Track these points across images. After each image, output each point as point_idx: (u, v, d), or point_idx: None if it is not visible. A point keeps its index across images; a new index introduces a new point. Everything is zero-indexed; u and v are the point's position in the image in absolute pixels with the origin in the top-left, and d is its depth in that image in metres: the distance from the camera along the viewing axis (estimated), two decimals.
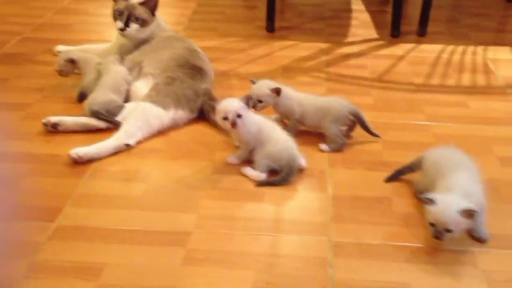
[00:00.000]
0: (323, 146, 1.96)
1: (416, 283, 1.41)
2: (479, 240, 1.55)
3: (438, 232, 1.47)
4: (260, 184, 1.76)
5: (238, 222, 1.62)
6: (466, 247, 1.53)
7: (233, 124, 1.73)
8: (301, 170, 1.83)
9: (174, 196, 1.72)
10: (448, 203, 1.46)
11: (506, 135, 2.07)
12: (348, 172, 1.86)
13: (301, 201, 1.72)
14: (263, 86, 1.96)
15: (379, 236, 1.57)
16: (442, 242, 1.48)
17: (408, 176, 1.79)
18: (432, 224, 1.48)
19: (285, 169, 1.76)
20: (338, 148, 1.96)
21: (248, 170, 1.80)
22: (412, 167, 1.77)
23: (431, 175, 1.63)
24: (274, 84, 1.97)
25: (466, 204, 1.45)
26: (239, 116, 1.74)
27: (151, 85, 2.08)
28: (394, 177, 1.80)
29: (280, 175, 1.77)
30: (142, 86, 2.12)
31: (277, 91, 1.95)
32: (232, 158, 1.86)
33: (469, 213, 1.44)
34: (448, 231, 1.46)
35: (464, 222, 1.45)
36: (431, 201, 1.47)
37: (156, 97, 2.02)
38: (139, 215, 1.63)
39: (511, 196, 1.73)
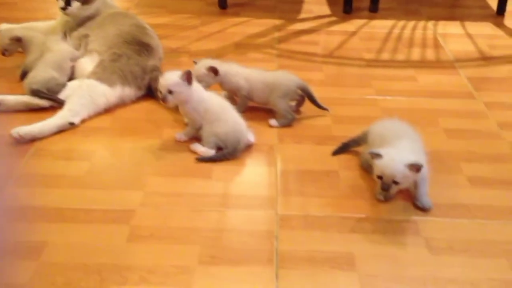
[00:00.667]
0: (272, 122, 1.96)
1: (359, 252, 1.43)
2: (422, 209, 1.58)
3: (386, 184, 1.52)
4: (201, 159, 1.74)
5: (185, 198, 1.60)
6: (409, 217, 1.56)
7: (163, 100, 1.71)
8: (249, 146, 1.83)
9: (120, 174, 1.69)
10: (395, 156, 1.52)
11: (452, 108, 2.10)
12: (297, 146, 1.86)
13: (249, 176, 1.72)
14: (201, 66, 1.94)
15: (325, 208, 1.58)
16: (387, 211, 1.51)
17: (355, 150, 1.81)
18: (379, 177, 1.53)
19: (230, 148, 1.75)
20: (287, 123, 1.96)
21: (196, 147, 1.78)
22: (358, 140, 1.79)
23: (375, 146, 1.65)
24: (212, 63, 1.95)
25: (412, 158, 1.51)
26: (170, 92, 1.71)
27: (97, 62, 2.03)
28: (340, 151, 1.81)
29: (222, 152, 1.75)
30: (87, 63, 2.06)
31: (214, 70, 1.93)
32: (180, 135, 1.84)
33: (415, 167, 1.50)
34: (395, 183, 1.52)
35: (411, 176, 1.52)
36: (378, 156, 1.53)
37: (101, 74, 1.97)
38: (83, 194, 1.60)
39: (454, 166, 1.77)
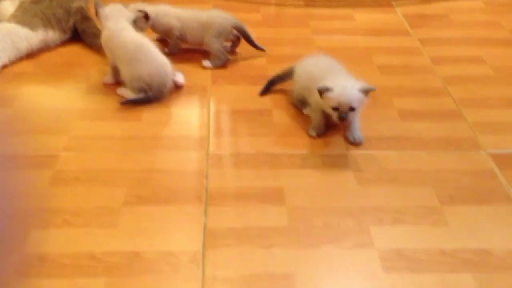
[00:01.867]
0: (205, 63, 1.91)
1: (289, 187, 1.43)
2: (353, 143, 1.59)
3: (343, 113, 1.51)
4: (124, 102, 1.68)
5: (112, 141, 1.56)
6: (340, 151, 1.57)
7: None
8: (181, 88, 1.78)
9: (44, 119, 1.62)
10: (346, 84, 1.53)
11: (387, 45, 2.10)
12: (230, 87, 1.83)
13: (180, 118, 1.68)
14: (132, 11, 1.86)
15: (257, 146, 1.57)
16: (321, 147, 1.51)
17: (288, 88, 1.79)
18: (335, 108, 1.51)
19: (155, 91, 1.70)
20: (221, 64, 1.91)
21: (123, 91, 1.72)
22: (283, 77, 1.77)
23: (304, 83, 1.64)
24: (141, 7, 1.87)
25: (362, 84, 1.54)
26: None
27: (17, 4, 1.92)
28: (267, 89, 1.79)
29: (147, 95, 1.69)
30: (7, 6, 1.95)
31: (144, 14, 1.86)
32: (108, 78, 1.77)
33: (367, 91, 1.53)
34: (352, 109, 1.51)
35: (364, 99, 1.54)
36: (328, 89, 1.50)
37: (22, 17, 1.86)
38: (3, 140, 1.53)
39: (386, 101, 1.78)
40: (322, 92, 1.52)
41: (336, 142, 1.60)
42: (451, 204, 1.39)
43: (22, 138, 1.55)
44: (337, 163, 1.53)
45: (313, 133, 1.61)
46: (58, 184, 1.40)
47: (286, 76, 1.76)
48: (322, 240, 1.28)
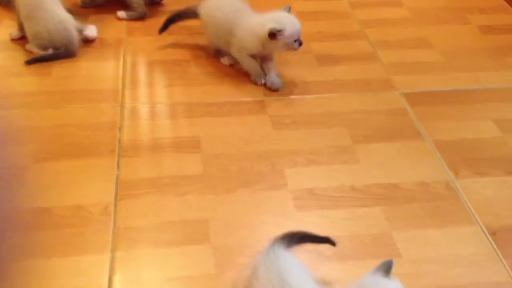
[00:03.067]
0: (121, 14, 1.84)
1: (205, 135, 1.42)
2: (271, 88, 1.59)
3: (301, 40, 1.53)
4: (28, 62, 1.61)
5: (22, 97, 1.49)
6: (257, 98, 1.56)
7: None
8: (93, 41, 1.72)
9: None
10: (285, 15, 1.54)
11: None
12: (147, 39, 1.78)
13: (93, 71, 1.63)
14: None
15: (174, 97, 1.55)
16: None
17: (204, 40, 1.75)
18: (296, 40, 1.52)
19: (61, 48, 1.62)
20: (138, 16, 1.85)
21: (31, 47, 1.64)
22: (183, 16, 1.71)
23: (215, 32, 1.61)
24: None
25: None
26: None
27: None
28: (166, 26, 1.72)
29: (55, 52, 1.62)
30: None
31: None
32: (15, 33, 1.69)
33: None
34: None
35: None
36: (279, 31, 1.49)
37: None
38: None
39: (304, 47, 1.75)
40: (275, 35, 1.49)
41: (253, 89, 1.59)
42: (363, 142, 1.42)
43: None
44: (254, 109, 1.53)
45: (261, 80, 1.59)
46: None
47: (187, 15, 1.71)
48: (236, 184, 1.29)
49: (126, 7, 1.86)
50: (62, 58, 1.63)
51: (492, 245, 1.17)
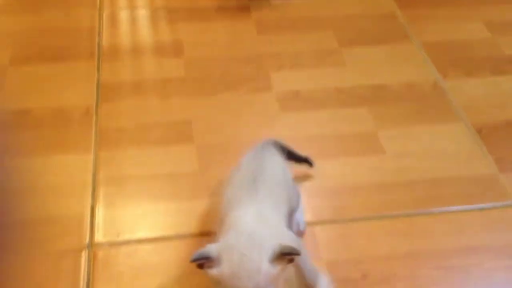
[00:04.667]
0: None
1: (188, 39, 1.37)
2: None
3: None
4: None
5: None
6: (243, 2, 1.51)
7: None
8: None
9: None
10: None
11: None
12: None
13: None
14: None
15: (155, 1, 1.49)
16: None
17: None
18: None
19: None
20: None
21: None
22: None
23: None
24: None
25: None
26: None
27: None
28: None
29: None
30: None
31: None
32: None
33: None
34: None
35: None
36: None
37: None
38: None
39: None
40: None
41: None
42: (350, 46, 1.39)
43: None
44: (238, 14, 1.48)
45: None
46: None
47: None
48: (219, 87, 1.26)
49: None
50: None
51: (477, 142, 1.16)
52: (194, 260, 0.68)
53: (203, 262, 0.69)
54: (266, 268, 0.67)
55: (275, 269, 0.68)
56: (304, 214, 0.99)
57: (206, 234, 0.97)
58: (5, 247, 0.93)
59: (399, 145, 1.15)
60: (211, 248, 0.69)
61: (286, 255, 0.69)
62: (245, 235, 0.70)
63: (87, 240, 0.96)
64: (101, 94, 1.22)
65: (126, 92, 1.23)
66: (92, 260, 0.93)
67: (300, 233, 0.97)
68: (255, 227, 0.73)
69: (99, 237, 0.97)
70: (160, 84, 1.26)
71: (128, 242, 0.96)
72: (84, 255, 0.94)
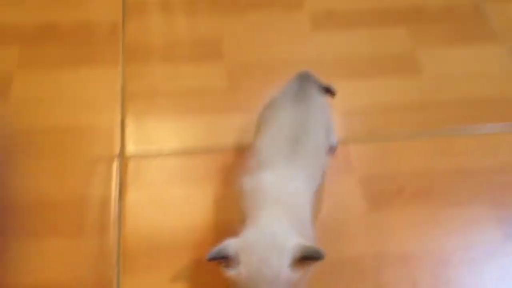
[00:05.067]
0: None
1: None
2: None
3: None
4: None
5: None
6: None
7: None
8: None
9: None
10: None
11: None
12: None
13: None
14: None
15: None
16: None
17: None
18: None
19: None
20: None
21: None
22: None
23: None
24: None
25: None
26: None
27: None
28: None
29: None
30: None
31: None
32: None
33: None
34: None
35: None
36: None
37: None
38: None
39: None
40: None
41: None
42: None
43: None
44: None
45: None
46: None
47: None
48: (249, 5, 1.21)
49: None
50: None
51: None
52: (211, 259, 0.64)
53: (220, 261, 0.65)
54: (286, 273, 0.63)
55: (296, 273, 0.64)
56: (337, 132, 0.97)
57: (236, 148, 0.95)
58: (36, 152, 0.93)
59: (437, 66, 1.10)
60: (230, 246, 0.65)
61: (308, 259, 0.64)
62: (267, 235, 0.65)
63: (118, 150, 0.95)
64: (127, 11, 1.18)
65: (153, 9, 1.19)
66: (123, 169, 0.92)
67: (332, 149, 0.95)
68: (277, 225, 0.67)
69: (129, 148, 0.96)
70: (189, 1, 1.22)
71: (158, 155, 0.95)
72: (115, 164, 0.93)
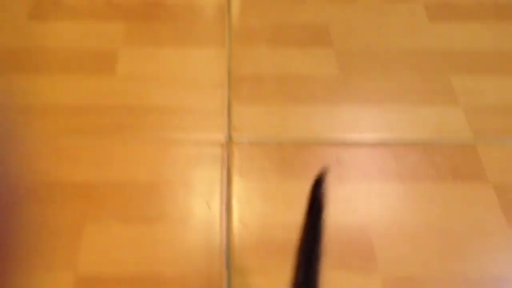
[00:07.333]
0: None
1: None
2: None
3: None
4: None
5: None
6: None
7: None
8: None
9: None
10: None
11: None
12: None
13: None
14: None
15: None
16: None
17: None
18: None
19: None
20: None
21: None
22: None
23: None
24: None
25: None
26: None
27: None
28: None
29: None
30: None
31: None
32: None
33: None
34: None
35: None
36: None
37: None
38: None
39: None
40: None
41: None
42: None
43: None
44: None
45: None
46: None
47: None
48: None
49: None
50: None
51: None
52: None
53: None
54: None
55: None
56: (463, 131, 0.89)
57: (342, 142, 0.90)
58: (140, 133, 0.90)
59: None
60: None
61: None
62: None
63: (225, 135, 0.91)
64: None
65: None
66: (231, 153, 0.88)
67: None
68: None
69: (236, 134, 0.91)
70: None
71: (267, 143, 0.90)
72: (223, 147, 0.89)
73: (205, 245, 0.79)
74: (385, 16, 1.10)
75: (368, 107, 0.95)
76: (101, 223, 0.79)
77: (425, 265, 0.76)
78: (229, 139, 0.90)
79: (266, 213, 0.82)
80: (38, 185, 0.81)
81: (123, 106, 0.93)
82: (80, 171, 0.85)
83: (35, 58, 0.98)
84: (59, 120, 0.90)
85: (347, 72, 1.00)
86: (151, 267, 0.76)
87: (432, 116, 0.93)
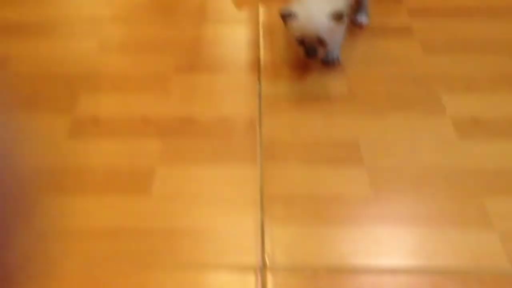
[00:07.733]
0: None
1: (348, 56, 1.31)
2: (359, 25, 1.44)
3: (310, 48, 1.16)
4: None
5: (156, 5, 1.45)
6: (403, 20, 1.43)
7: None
8: None
9: None
10: (313, 10, 1.14)
11: None
12: None
13: None
14: None
15: None
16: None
17: None
18: (300, 41, 1.16)
19: None
20: None
21: None
22: None
23: None
24: None
25: (333, 6, 1.14)
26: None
27: None
28: None
29: None
30: None
31: None
32: None
33: (338, 16, 1.14)
34: (321, 42, 1.15)
35: (336, 28, 1.16)
36: (291, 14, 1.15)
37: None
38: None
39: None
40: (284, 18, 1.15)
41: (397, 11, 1.46)
42: None
43: None
44: (399, 32, 1.39)
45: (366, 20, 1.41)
46: (105, 50, 1.32)
47: None
48: (386, 107, 1.18)
49: None
50: None
51: None
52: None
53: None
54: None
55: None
56: None
57: (382, 269, 0.88)
58: (173, 257, 0.90)
59: None
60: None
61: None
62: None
63: (259, 260, 0.90)
64: (263, 106, 1.18)
65: (288, 106, 1.18)
66: (265, 281, 0.87)
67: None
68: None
69: (270, 258, 0.91)
70: (322, 100, 1.20)
71: (301, 269, 0.90)
72: (256, 272, 0.88)
73: None
74: (413, 132, 1.12)
75: (401, 229, 0.95)
76: None
77: None
78: (263, 264, 0.90)
79: None
80: None
81: (158, 230, 0.94)
82: None
83: (73, 178, 1.01)
84: (93, 246, 0.91)
85: (378, 191, 1.01)
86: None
87: (468, 242, 0.92)
